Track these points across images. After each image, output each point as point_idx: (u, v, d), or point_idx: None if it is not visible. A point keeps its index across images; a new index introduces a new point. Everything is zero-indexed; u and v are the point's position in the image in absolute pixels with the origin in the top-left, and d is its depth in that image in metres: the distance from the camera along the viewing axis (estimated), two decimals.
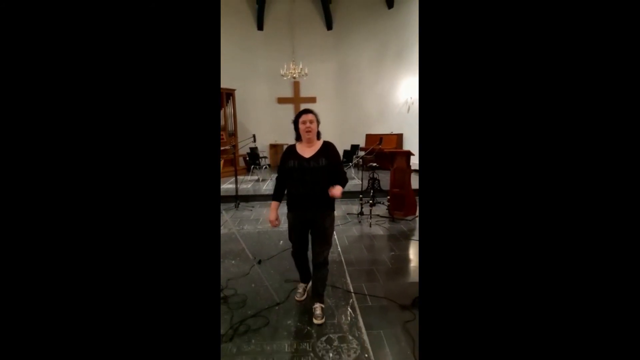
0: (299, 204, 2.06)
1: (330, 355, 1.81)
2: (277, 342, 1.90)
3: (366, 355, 1.80)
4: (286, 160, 2.08)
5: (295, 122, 2.10)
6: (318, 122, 2.09)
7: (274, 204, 2.17)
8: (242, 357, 1.80)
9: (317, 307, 2.16)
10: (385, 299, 2.39)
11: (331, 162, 2.03)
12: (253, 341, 1.94)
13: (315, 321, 2.10)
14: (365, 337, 1.96)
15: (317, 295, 2.19)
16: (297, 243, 2.21)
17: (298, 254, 2.28)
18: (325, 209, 2.07)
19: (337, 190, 1.96)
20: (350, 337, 1.96)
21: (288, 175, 2.06)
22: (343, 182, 2.06)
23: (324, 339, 1.95)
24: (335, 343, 1.91)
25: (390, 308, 2.28)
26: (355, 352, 1.83)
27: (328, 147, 2.10)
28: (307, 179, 1.99)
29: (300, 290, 2.42)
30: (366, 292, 2.50)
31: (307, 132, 2.03)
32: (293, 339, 1.96)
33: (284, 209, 2.16)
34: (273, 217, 2.15)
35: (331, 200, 2.07)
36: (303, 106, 10.06)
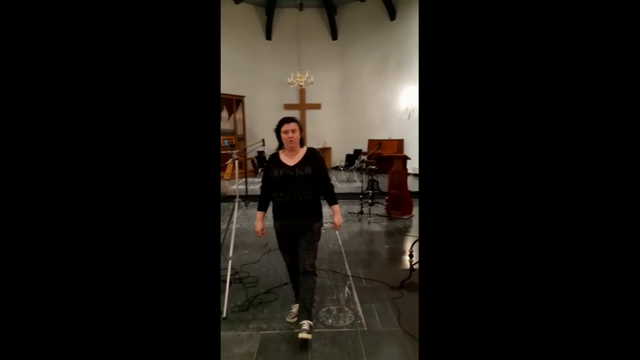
0: (286, 212, 2.01)
1: (330, 321, 2.20)
2: (286, 311, 2.28)
3: (359, 322, 2.19)
4: (270, 169, 2.03)
5: (277, 131, 2.05)
6: (301, 130, 2.05)
7: (259, 214, 2.14)
8: (257, 322, 2.19)
9: (305, 324, 1.93)
10: (378, 281, 2.77)
11: (316, 170, 2.01)
12: (265, 310, 2.33)
13: (301, 335, 1.88)
14: (359, 309, 2.35)
15: (304, 310, 1.99)
16: (289, 254, 2.13)
17: (294, 268, 2.15)
18: (312, 216, 2.04)
19: (338, 219, 2.09)
20: (347, 309, 2.35)
21: (273, 184, 2.02)
22: (330, 191, 2.10)
23: (324, 309, 2.34)
24: (334, 313, 2.30)
25: (381, 288, 2.66)
26: (350, 319, 2.22)
27: (312, 154, 2.06)
28: (293, 187, 1.96)
29: (294, 310, 2.24)
30: (362, 276, 2.89)
31: (289, 141, 1.99)
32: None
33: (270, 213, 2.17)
34: (259, 227, 2.12)
35: (318, 208, 2.07)
36: (309, 112, 10.60)
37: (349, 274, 2.93)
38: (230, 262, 2.48)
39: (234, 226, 2.73)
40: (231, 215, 2.72)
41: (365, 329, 2.11)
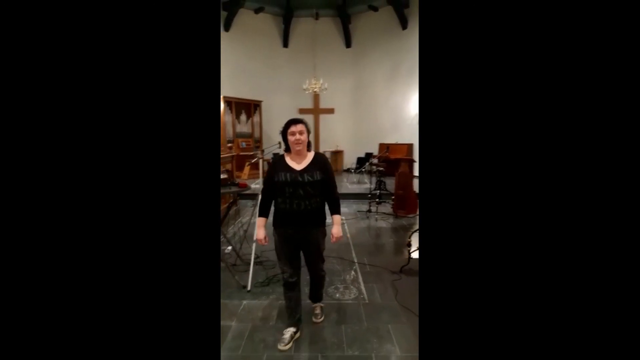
0: (290, 220, 1.84)
1: (337, 295, 2.62)
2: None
3: (362, 296, 2.60)
4: (275, 173, 1.85)
5: (284, 133, 1.87)
6: (308, 132, 1.87)
7: (260, 220, 1.94)
8: (276, 294, 2.63)
9: (317, 307, 2.26)
10: (380, 267, 3.17)
11: (325, 176, 1.87)
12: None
13: (314, 320, 2.21)
14: (362, 287, 2.76)
15: (316, 297, 2.26)
16: (289, 266, 1.95)
17: (291, 283, 1.97)
18: (318, 224, 1.91)
19: (337, 231, 1.93)
20: (352, 287, 2.76)
21: (278, 189, 1.84)
22: (337, 200, 1.94)
23: (332, 287, 2.75)
24: (341, 290, 2.72)
25: (383, 272, 3.06)
26: (354, 295, 2.63)
27: (321, 159, 1.92)
28: (301, 194, 1.80)
29: (287, 335, 1.96)
30: (366, 262, 3.29)
31: (296, 144, 1.82)
32: None
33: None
34: (261, 235, 1.92)
35: (324, 215, 1.93)
36: (322, 117, 11.07)
37: (355, 261, 3.34)
38: (254, 245, 2.93)
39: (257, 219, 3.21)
40: (254, 209, 3.18)
41: (367, 302, 2.52)
